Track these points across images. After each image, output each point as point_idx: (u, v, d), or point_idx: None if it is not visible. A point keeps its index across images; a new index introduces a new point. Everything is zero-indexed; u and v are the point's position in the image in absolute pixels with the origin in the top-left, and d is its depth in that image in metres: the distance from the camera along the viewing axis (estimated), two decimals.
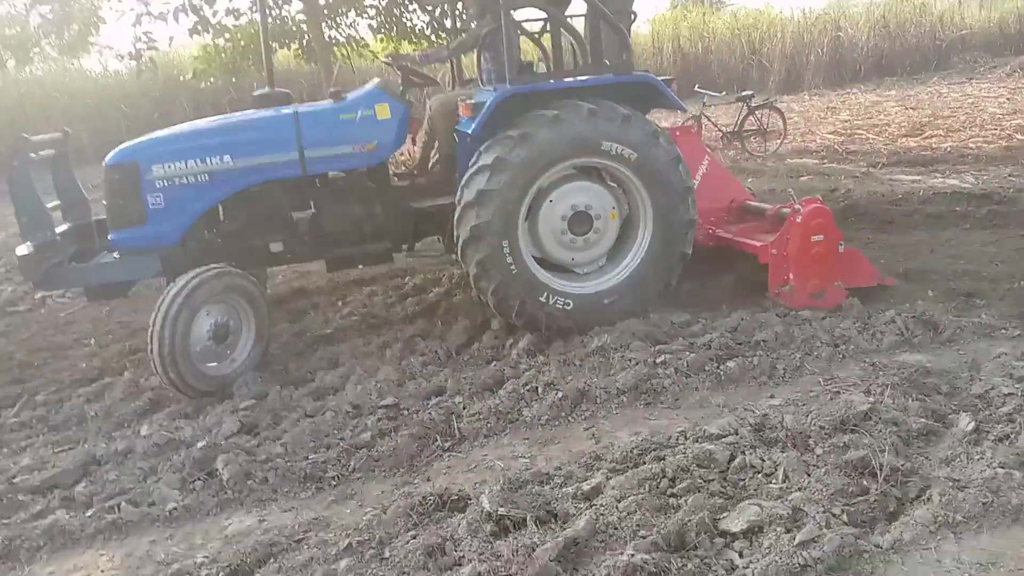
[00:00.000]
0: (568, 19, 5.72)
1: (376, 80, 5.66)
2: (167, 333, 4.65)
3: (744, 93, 13.45)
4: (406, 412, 4.44)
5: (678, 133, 6.26)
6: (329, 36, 12.69)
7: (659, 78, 5.40)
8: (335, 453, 4.02)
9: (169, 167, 5.10)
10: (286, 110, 5.43)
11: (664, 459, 3.52)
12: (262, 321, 5.06)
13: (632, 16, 5.88)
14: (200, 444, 4.12)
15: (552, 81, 5.36)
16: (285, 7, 12.41)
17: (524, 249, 5.16)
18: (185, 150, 5.15)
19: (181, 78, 17.65)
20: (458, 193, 5.14)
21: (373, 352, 5.38)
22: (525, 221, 5.18)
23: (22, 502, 3.80)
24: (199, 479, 3.87)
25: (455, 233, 5.16)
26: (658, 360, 4.61)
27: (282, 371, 5.19)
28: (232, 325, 4.97)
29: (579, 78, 5.35)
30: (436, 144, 6.02)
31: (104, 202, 5.17)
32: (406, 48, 12.21)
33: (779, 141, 12.87)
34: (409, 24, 12.71)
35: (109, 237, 5.18)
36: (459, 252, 5.18)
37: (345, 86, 5.92)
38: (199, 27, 11.60)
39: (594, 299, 5.29)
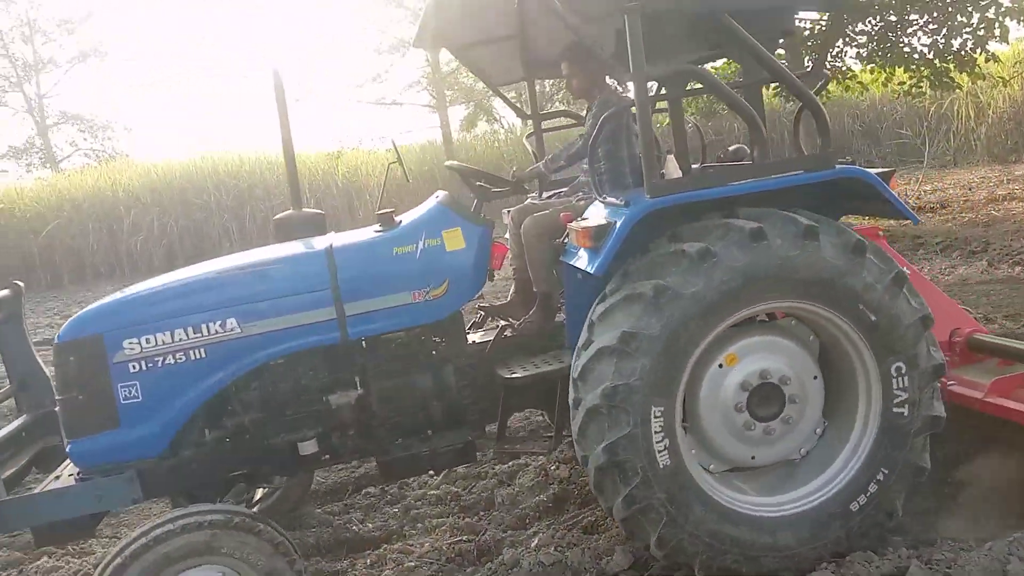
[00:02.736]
0: (731, 88, 3.87)
1: (440, 194, 4.01)
2: None
3: None
4: None
5: None
6: None
7: (871, 171, 3.61)
8: None
9: (148, 342, 3.45)
10: (316, 245, 3.80)
11: None
12: None
13: (823, 78, 4.09)
14: None
15: (716, 185, 3.52)
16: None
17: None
18: (165, 315, 3.51)
19: None
20: (573, 378, 3.42)
21: None
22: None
23: None
24: None
25: (576, 447, 3.44)
26: None
27: None
28: None
29: (753, 180, 3.53)
30: (528, 280, 4.29)
31: (57, 396, 3.53)
32: (899, 76, 11.04)
33: None
34: (907, 49, 11.60)
35: (67, 448, 3.53)
36: (592, 483, 3.42)
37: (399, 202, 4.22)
38: None
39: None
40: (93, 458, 3.47)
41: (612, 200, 3.61)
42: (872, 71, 12.58)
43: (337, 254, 3.70)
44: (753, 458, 3.54)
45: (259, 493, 4.59)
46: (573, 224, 3.61)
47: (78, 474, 3.53)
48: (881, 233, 4.54)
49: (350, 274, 3.66)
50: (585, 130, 4.20)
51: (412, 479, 4.96)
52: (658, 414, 3.27)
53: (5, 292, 3.90)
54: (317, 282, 3.63)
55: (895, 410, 3.46)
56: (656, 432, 3.27)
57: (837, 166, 3.55)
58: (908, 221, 3.75)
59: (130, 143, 38.17)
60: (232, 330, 3.53)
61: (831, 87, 12.69)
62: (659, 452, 3.29)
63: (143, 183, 21.02)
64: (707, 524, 3.35)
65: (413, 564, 4.04)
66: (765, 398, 3.47)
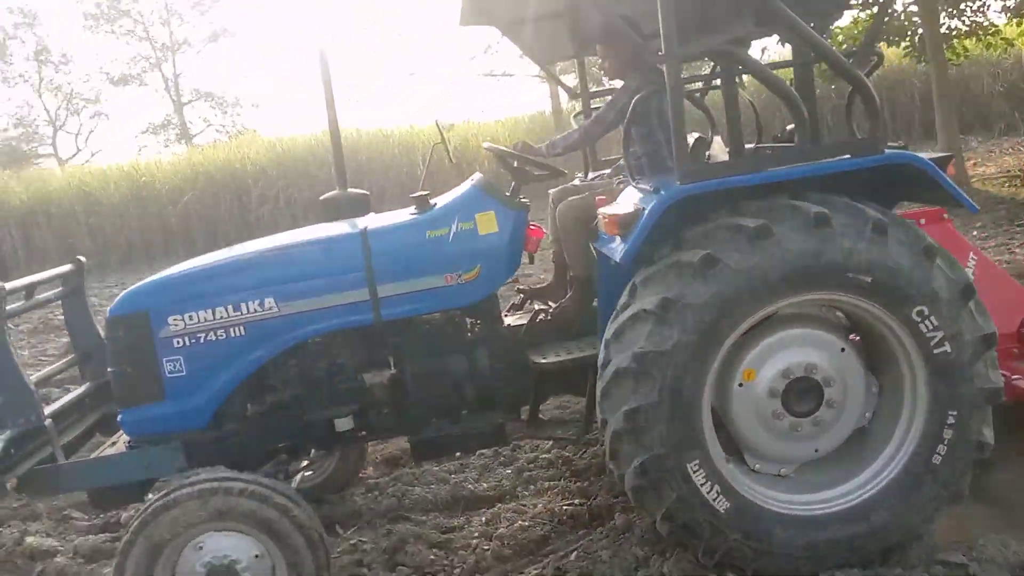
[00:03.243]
0: (770, 70, 3.69)
1: (476, 177, 4.02)
2: None
3: None
4: None
5: (923, 222, 4.22)
6: (949, 27, 11.48)
7: (925, 156, 3.44)
8: None
9: (191, 319, 3.62)
10: (351, 227, 3.86)
11: None
12: (307, 567, 3.28)
13: (874, 60, 3.86)
14: None
15: (751, 171, 3.37)
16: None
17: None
18: (208, 294, 3.66)
19: None
20: (601, 351, 3.39)
21: None
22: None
23: None
24: None
25: (599, 413, 3.38)
26: None
27: None
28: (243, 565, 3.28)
29: (791, 166, 3.36)
30: (565, 264, 4.27)
31: (109, 368, 3.73)
32: None
33: None
34: None
35: (118, 417, 3.73)
36: (607, 450, 3.38)
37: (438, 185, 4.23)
38: None
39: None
40: (141, 427, 3.68)
41: (644, 186, 3.54)
42: (1020, 23, 11.76)
43: (371, 237, 3.76)
44: (816, 451, 3.44)
45: (307, 472, 4.74)
46: (602, 210, 3.56)
47: (128, 442, 3.74)
48: (946, 216, 4.31)
49: (383, 257, 3.72)
50: (597, 114, 4.12)
51: (524, 443, 5.06)
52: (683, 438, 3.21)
53: (68, 267, 4.13)
54: (351, 264, 3.71)
55: (936, 352, 3.25)
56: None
57: (887, 150, 3.39)
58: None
59: (256, 119, 40.23)
60: (270, 309, 3.65)
61: (969, 43, 11.88)
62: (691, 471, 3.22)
63: (269, 157, 21.97)
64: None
65: (527, 524, 4.13)
66: (802, 393, 3.36)
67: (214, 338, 3.64)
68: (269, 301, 3.65)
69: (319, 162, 21.41)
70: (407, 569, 3.86)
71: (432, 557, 3.93)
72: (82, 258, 4.23)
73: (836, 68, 3.48)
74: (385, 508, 4.52)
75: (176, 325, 3.62)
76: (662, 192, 3.31)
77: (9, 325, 3.70)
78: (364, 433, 3.94)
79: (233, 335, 3.65)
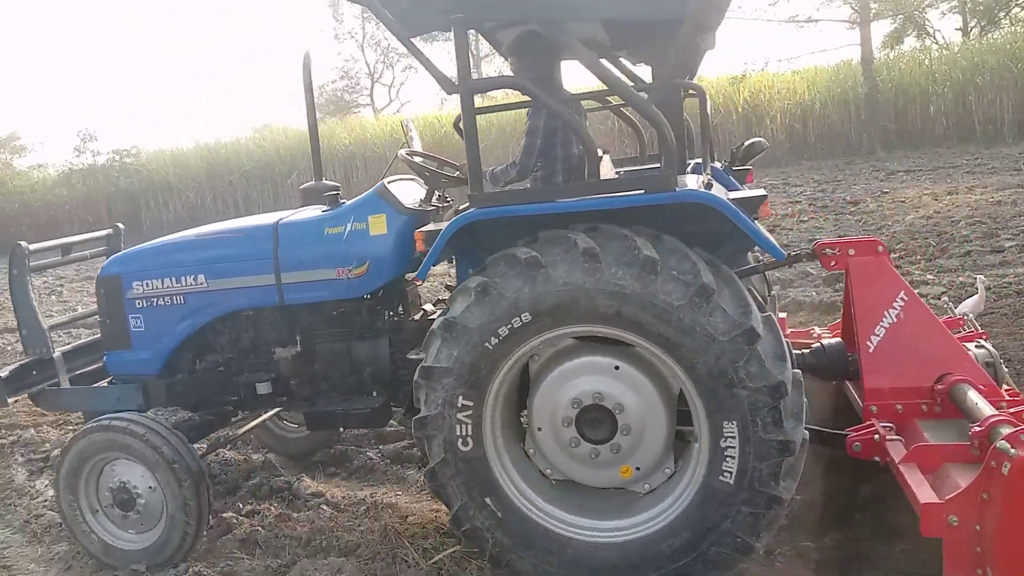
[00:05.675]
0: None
1: (381, 183, 4.28)
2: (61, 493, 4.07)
3: None
4: None
5: (851, 252, 3.73)
6: None
7: (728, 196, 3.11)
8: None
9: (147, 285, 4.41)
10: (269, 220, 4.36)
11: None
12: (177, 498, 3.98)
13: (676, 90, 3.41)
14: None
15: (540, 200, 3.41)
16: None
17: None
18: (161, 266, 4.40)
19: None
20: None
21: None
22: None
23: None
24: None
25: None
26: None
27: None
28: (138, 492, 4.07)
29: (580, 198, 3.32)
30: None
31: (97, 318, 4.66)
32: None
33: None
34: None
35: (103, 358, 4.67)
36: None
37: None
38: None
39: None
40: (116, 368, 4.58)
41: (462, 207, 3.61)
42: None
43: (281, 229, 4.23)
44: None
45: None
46: (419, 229, 3.70)
47: (110, 380, 4.66)
48: (880, 249, 3.72)
49: (288, 248, 4.18)
50: (524, 145, 4.11)
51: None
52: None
53: (108, 231, 5.12)
54: (263, 252, 4.22)
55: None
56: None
57: (679, 189, 3.11)
58: None
59: None
60: (202, 284, 4.32)
61: None
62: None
63: None
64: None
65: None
66: (595, 419, 3.36)
67: (162, 303, 4.39)
68: (201, 277, 4.31)
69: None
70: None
71: None
72: (120, 224, 5.22)
73: (630, 102, 3.25)
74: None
75: (138, 289, 4.42)
76: (462, 215, 3.39)
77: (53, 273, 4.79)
78: (283, 399, 4.47)
79: (176, 302, 4.37)
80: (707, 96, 4.05)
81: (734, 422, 3.04)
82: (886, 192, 14.17)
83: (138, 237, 4.71)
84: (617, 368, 3.32)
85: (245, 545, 4.29)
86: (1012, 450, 2.71)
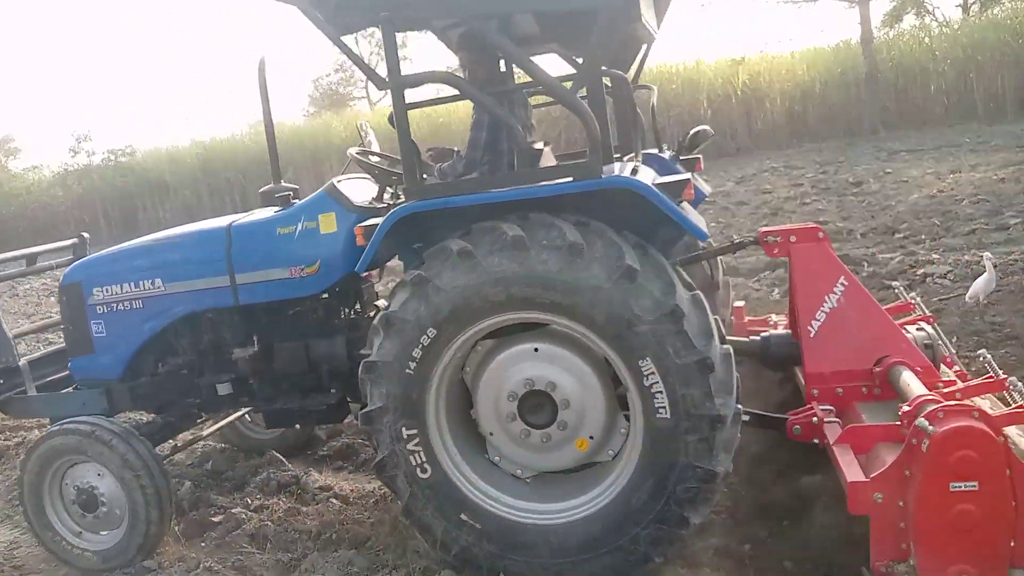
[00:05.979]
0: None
1: (330, 182, 4.32)
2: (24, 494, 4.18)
3: None
4: None
5: (792, 239, 3.74)
6: None
7: (655, 182, 3.16)
8: None
9: (107, 291, 4.47)
10: (222, 223, 4.41)
11: None
12: (136, 503, 4.06)
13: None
14: None
15: (471, 191, 3.47)
16: None
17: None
18: (120, 272, 4.46)
19: None
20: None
21: None
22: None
23: None
24: None
25: None
26: None
27: None
28: (102, 494, 4.13)
29: (512, 188, 3.37)
30: None
31: (61, 326, 4.73)
32: None
33: None
34: None
35: (68, 364, 4.74)
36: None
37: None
38: None
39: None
40: (80, 374, 4.64)
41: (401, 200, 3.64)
42: None
43: (234, 231, 4.28)
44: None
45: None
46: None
47: (75, 385, 4.73)
48: (821, 235, 3.73)
49: (241, 249, 4.23)
50: (470, 138, 4.15)
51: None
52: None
53: (74, 240, 5.19)
54: (216, 254, 4.27)
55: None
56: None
57: (605, 175, 3.14)
58: None
59: None
60: (159, 288, 4.37)
61: None
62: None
63: None
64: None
65: None
66: (537, 405, 3.43)
67: (122, 308, 4.45)
68: (158, 281, 4.37)
69: None
70: None
71: None
72: (86, 234, 5.29)
73: (552, 94, 3.28)
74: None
75: (98, 295, 4.48)
76: (399, 208, 3.43)
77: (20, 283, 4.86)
78: (244, 399, 4.52)
79: (135, 307, 4.42)
80: (655, 91, 4.08)
81: (647, 358, 3.11)
82: (889, 172, 14.08)
83: (136, 237, 4.77)
84: (536, 350, 3.38)
85: (255, 540, 4.31)
86: (931, 427, 2.73)
